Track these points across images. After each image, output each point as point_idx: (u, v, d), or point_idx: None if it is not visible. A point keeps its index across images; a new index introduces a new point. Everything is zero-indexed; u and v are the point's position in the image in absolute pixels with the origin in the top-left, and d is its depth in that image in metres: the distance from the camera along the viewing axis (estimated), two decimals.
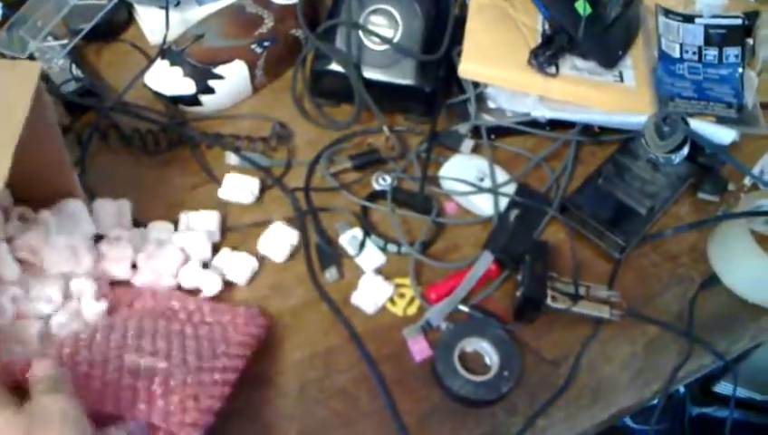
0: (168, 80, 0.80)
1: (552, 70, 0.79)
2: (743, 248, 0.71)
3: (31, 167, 0.53)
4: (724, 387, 1.32)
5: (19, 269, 0.63)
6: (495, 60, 0.80)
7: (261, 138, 0.80)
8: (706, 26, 0.80)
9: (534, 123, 0.81)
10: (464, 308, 0.70)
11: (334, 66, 0.79)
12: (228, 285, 0.70)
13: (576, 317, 0.70)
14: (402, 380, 0.66)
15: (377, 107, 0.80)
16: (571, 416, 0.65)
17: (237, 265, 0.70)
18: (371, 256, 0.73)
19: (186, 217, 0.72)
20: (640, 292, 0.73)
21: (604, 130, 0.82)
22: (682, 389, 1.35)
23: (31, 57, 0.80)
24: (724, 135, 0.76)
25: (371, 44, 0.79)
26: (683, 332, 0.70)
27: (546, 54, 0.78)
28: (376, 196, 0.77)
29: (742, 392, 1.30)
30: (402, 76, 0.79)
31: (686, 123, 0.74)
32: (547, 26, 0.82)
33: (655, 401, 1.10)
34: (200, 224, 0.72)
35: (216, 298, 0.68)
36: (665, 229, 0.76)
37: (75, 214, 0.67)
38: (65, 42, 0.82)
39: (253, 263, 0.71)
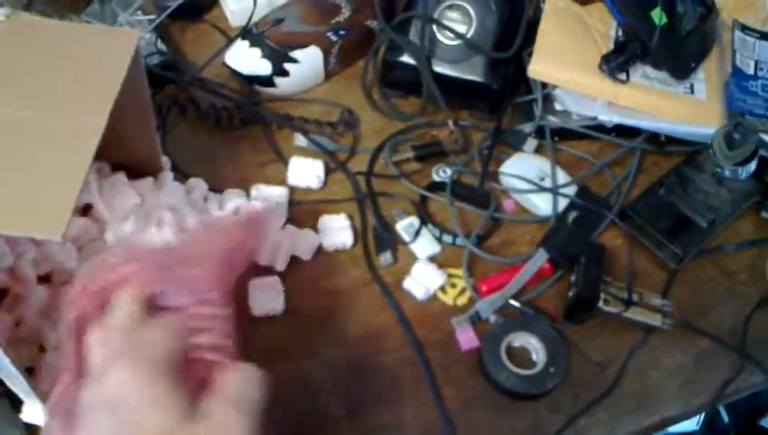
0: (246, 60, 0.83)
1: (623, 76, 0.79)
2: None
3: (121, 130, 0.57)
4: None
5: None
6: (566, 62, 0.80)
7: (329, 123, 0.83)
8: None
9: (600, 128, 0.82)
10: (514, 303, 0.71)
11: (406, 58, 0.81)
12: (292, 258, 0.72)
13: (627, 323, 0.70)
14: (447, 367, 0.67)
15: (443, 101, 0.81)
16: (614, 419, 0.65)
17: (302, 241, 0.72)
18: (426, 244, 0.75)
19: (256, 191, 0.75)
20: (694, 304, 0.72)
21: (670, 140, 0.82)
22: (726, 418, 1.32)
23: None
24: None
25: (444, 39, 0.81)
26: (735, 347, 0.69)
27: (618, 61, 0.78)
28: (435, 187, 0.79)
29: None
30: (472, 72, 0.80)
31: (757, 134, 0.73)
32: (620, 33, 0.82)
33: (696, 427, 1.08)
34: (270, 198, 0.75)
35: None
36: (725, 244, 0.75)
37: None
38: (152, 17, 0.86)
39: (317, 240, 0.73)
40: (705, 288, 0.74)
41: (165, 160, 0.73)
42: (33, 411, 0.60)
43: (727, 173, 0.75)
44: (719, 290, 0.74)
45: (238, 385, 0.42)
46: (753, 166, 0.73)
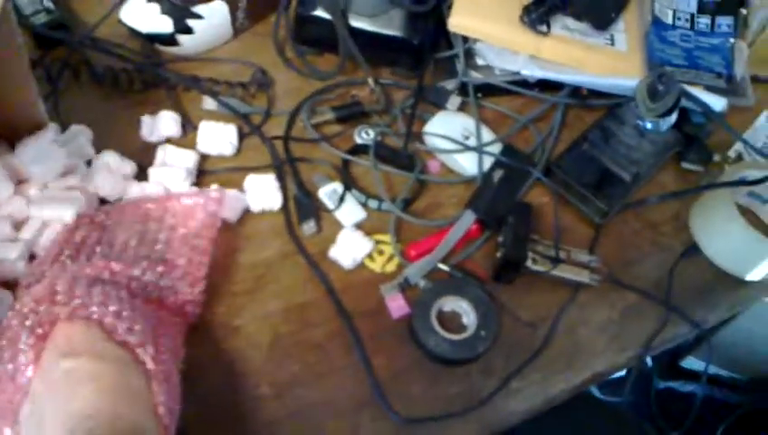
0: (144, 16, 0.76)
1: (544, 28, 0.77)
2: (725, 219, 0.71)
3: None
4: (692, 362, 1.35)
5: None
6: (487, 14, 0.77)
7: (240, 83, 0.77)
8: None
9: (523, 84, 0.80)
10: (443, 267, 0.69)
11: (320, 12, 0.76)
12: None
13: (555, 281, 0.69)
14: (378, 336, 0.65)
15: (362, 58, 0.77)
16: (546, 379, 0.65)
17: (229, 202, 0.68)
18: (351, 211, 0.71)
19: (162, 152, 0.70)
20: (620, 258, 0.72)
21: (592, 93, 0.81)
22: (650, 362, 1.37)
23: None
24: (714, 103, 0.75)
25: None
26: (661, 300, 0.70)
27: (539, 11, 0.76)
28: (358, 150, 0.75)
29: (709, 369, 1.32)
30: (390, 27, 0.76)
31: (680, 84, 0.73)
32: None
33: (623, 373, 1.12)
34: (178, 161, 0.69)
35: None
36: (648, 197, 0.75)
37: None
38: None
39: (244, 201, 0.69)
40: (631, 242, 0.74)
41: (53, 126, 0.66)
42: None
43: (649, 125, 0.74)
44: (644, 243, 0.74)
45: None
46: (673, 117, 0.73)
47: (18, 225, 0.63)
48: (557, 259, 0.69)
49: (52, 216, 0.63)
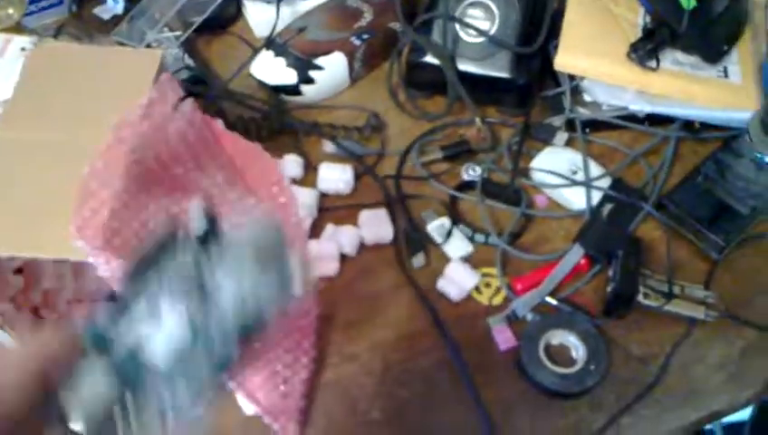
0: (272, 70, 0.84)
1: (653, 64, 0.77)
2: None
3: None
4: None
5: None
6: (593, 52, 0.79)
7: (356, 127, 0.83)
8: None
9: (632, 118, 0.80)
10: (551, 301, 0.70)
11: (429, 58, 0.81)
12: None
13: (668, 316, 0.68)
14: (485, 367, 0.67)
15: (470, 99, 0.81)
16: (658, 416, 0.64)
17: (345, 237, 0.73)
18: (458, 245, 0.74)
19: None
20: (738, 294, 0.70)
21: (705, 126, 0.80)
22: None
23: (148, 47, 0.86)
24: None
25: (467, 37, 0.80)
26: None
27: (647, 48, 0.77)
28: (465, 186, 0.78)
29: None
30: (497, 69, 0.80)
31: None
32: (648, 20, 0.80)
33: (746, 417, 1.05)
34: (300, 198, 0.75)
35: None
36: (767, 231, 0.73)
37: None
38: (179, 33, 0.88)
39: (358, 234, 0.74)
40: (749, 277, 0.71)
41: None
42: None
43: (766, 159, 0.72)
44: (763, 279, 0.71)
45: None
46: None
47: None
48: (670, 294, 0.68)
49: None
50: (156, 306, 0.30)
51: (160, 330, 0.29)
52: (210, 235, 0.32)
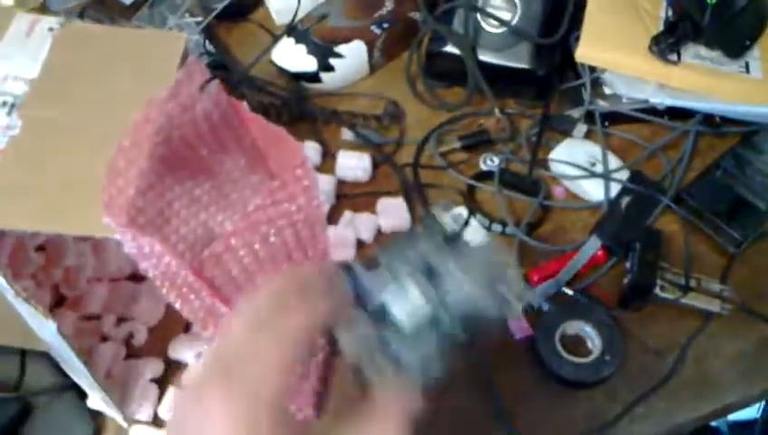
0: (292, 57, 0.84)
1: (674, 57, 0.77)
2: None
3: None
4: None
5: None
6: (615, 45, 0.79)
7: (375, 116, 0.83)
8: None
9: (652, 111, 0.80)
10: (568, 291, 0.70)
11: (450, 48, 0.81)
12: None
13: (685, 309, 0.68)
14: (500, 355, 0.67)
15: (489, 89, 0.81)
16: (673, 407, 0.64)
17: (363, 224, 0.74)
18: (475, 235, 0.74)
19: None
20: (755, 289, 0.70)
21: (725, 121, 0.79)
22: None
23: None
24: None
25: (488, 27, 0.80)
26: None
27: (668, 41, 0.76)
28: (483, 176, 0.78)
29: None
30: (517, 59, 0.80)
31: None
32: (671, 13, 0.80)
33: (756, 414, 1.05)
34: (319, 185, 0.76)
35: None
36: None
37: None
38: (200, 19, 0.88)
39: (376, 222, 0.74)
40: (766, 272, 0.71)
41: None
42: (96, 400, 0.63)
43: None
44: None
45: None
46: None
47: None
48: (687, 287, 0.68)
49: None
50: (401, 279, 0.34)
51: (406, 298, 0.34)
52: (455, 238, 0.38)
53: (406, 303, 0.34)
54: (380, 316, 0.34)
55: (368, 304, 0.35)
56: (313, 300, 0.32)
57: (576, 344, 0.67)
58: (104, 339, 0.66)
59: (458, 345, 0.36)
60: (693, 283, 0.69)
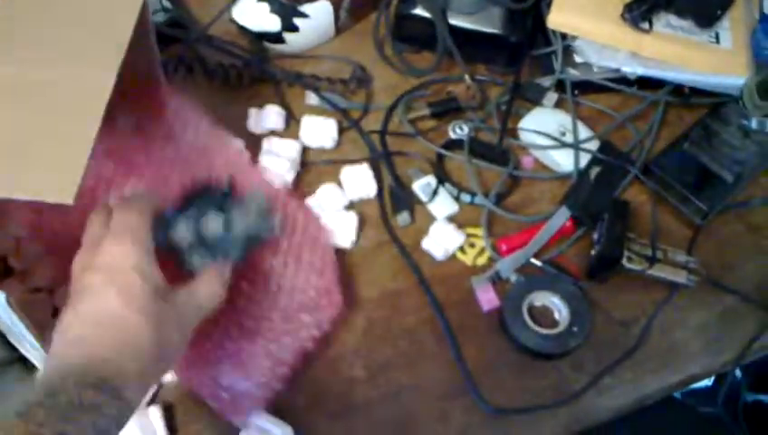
0: (254, 15, 0.80)
1: (646, 26, 0.76)
2: None
3: (129, 84, 0.55)
4: None
5: None
6: (587, 12, 0.77)
7: (341, 80, 0.80)
8: None
9: (622, 81, 0.79)
10: (536, 262, 0.69)
11: (419, 11, 0.78)
12: None
13: (651, 280, 0.68)
14: (468, 327, 0.66)
15: (460, 55, 0.79)
16: (638, 378, 0.64)
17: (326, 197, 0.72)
18: (444, 204, 0.73)
19: (268, 143, 0.74)
20: (720, 260, 0.71)
21: (694, 92, 0.79)
22: (739, 373, 1.31)
23: None
24: None
25: None
26: (761, 304, 0.68)
27: (641, 9, 0.75)
28: (452, 144, 0.77)
29: None
30: (489, 24, 0.78)
31: None
32: None
33: (711, 382, 1.07)
34: (282, 151, 0.73)
35: None
36: (751, 199, 0.73)
37: None
38: None
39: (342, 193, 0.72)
40: (731, 244, 0.72)
41: None
42: None
43: (754, 125, 0.72)
44: (745, 246, 0.72)
45: (207, 290, 0.51)
46: None
47: None
48: (653, 258, 0.68)
49: None
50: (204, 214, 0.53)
51: (208, 225, 0.53)
52: (231, 191, 0.55)
53: (211, 223, 0.53)
54: (197, 232, 0.53)
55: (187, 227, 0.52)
56: (141, 201, 0.51)
57: (544, 315, 0.67)
58: (56, 312, 0.63)
59: (255, 242, 0.55)
60: (659, 254, 0.69)
